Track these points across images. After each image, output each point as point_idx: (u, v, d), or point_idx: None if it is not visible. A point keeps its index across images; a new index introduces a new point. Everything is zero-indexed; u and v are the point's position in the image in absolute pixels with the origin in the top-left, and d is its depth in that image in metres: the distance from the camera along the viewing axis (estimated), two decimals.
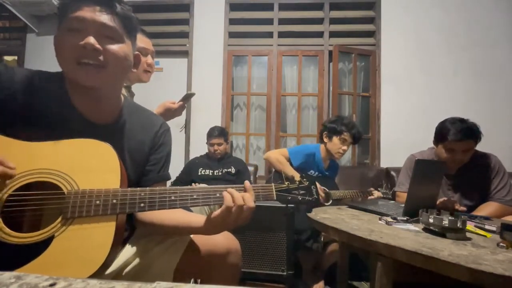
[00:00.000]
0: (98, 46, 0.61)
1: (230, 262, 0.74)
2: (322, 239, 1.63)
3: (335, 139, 1.79)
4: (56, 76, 0.68)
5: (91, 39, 0.60)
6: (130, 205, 0.60)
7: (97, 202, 0.57)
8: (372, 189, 1.85)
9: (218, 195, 0.66)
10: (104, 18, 0.62)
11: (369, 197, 1.79)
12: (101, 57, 0.62)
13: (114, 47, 0.64)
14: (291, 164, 1.77)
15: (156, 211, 0.65)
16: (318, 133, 1.95)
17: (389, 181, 2.31)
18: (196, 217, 0.71)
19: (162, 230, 0.75)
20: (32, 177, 0.57)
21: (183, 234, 0.76)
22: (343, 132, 1.77)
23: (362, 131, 2.80)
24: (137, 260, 0.75)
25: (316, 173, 1.82)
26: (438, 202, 1.27)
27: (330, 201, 1.72)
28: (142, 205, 0.61)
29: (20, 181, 0.56)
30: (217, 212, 0.65)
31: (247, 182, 0.68)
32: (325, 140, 1.83)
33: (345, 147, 1.79)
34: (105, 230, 0.57)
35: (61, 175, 0.58)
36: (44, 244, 0.54)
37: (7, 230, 0.53)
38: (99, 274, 0.55)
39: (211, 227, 0.67)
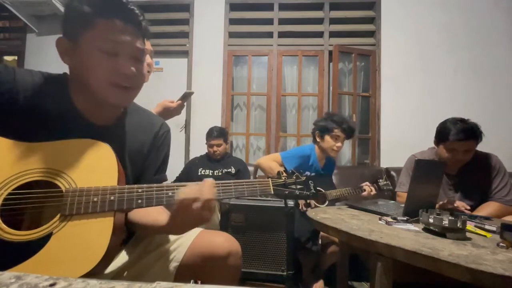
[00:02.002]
0: (135, 72, 0.64)
1: (231, 264, 0.73)
2: (320, 242, 1.62)
3: (327, 137, 1.76)
4: (57, 77, 0.68)
5: (131, 68, 0.63)
6: (127, 202, 0.60)
7: (95, 199, 0.58)
8: (366, 184, 1.78)
9: (215, 190, 0.66)
10: (136, 40, 0.64)
11: (362, 194, 1.74)
12: (133, 80, 0.65)
13: (141, 68, 0.67)
14: (285, 169, 1.74)
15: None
16: (311, 133, 1.91)
17: (389, 181, 2.30)
18: (162, 216, 0.66)
19: (137, 229, 0.73)
20: (31, 176, 0.57)
21: (153, 233, 0.74)
22: (334, 129, 1.73)
23: (363, 131, 2.85)
24: (137, 262, 0.75)
25: (313, 174, 1.79)
26: (437, 206, 1.27)
27: (327, 202, 1.70)
28: (139, 201, 0.61)
29: (19, 180, 0.56)
30: (173, 207, 0.61)
31: (208, 179, 0.64)
32: (318, 139, 1.81)
33: (339, 144, 1.75)
34: (103, 227, 0.57)
35: (59, 174, 0.58)
36: (42, 242, 0.54)
37: (6, 228, 0.54)
38: (98, 272, 0.55)
39: (173, 225, 0.63)
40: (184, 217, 0.60)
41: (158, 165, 0.80)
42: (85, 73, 0.62)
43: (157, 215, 0.67)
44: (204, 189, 0.61)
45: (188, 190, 0.60)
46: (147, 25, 0.68)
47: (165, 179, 0.82)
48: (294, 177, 0.76)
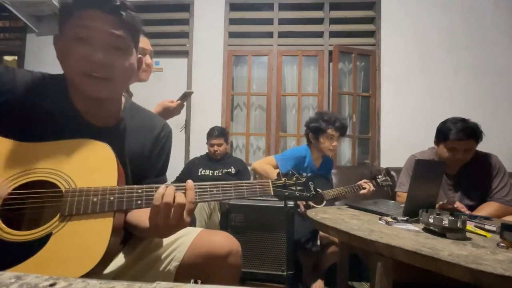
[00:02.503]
0: (106, 60, 0.61)
1: (231, 263, 0.73)
2: (319, 243, 1.62)
3: (322, 138, 1.74)
4: (57, 78, 0.68)
5: (100, 54, 0.60)
6: (127, 202, 0.60)
7: (94, 199, 0.58)
8: (364, 181, 1.74)
9: (215, 191, 0.66)
10: (112, 28, 0.61)
11: (361, 191, 1.71)
12: (108, 71, 0.62)
13: (121, 59, 0.64)
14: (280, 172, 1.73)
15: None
16: (305, 134, 1.89)
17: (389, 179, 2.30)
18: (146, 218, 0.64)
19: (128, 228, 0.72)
20: (31, 176, 0.57)
21: (141, 235, 0.73)
22: (327, 129, 1.72)
23: (363, 131, 2.85)
24: (137, 262, 0.75)
25: (309, 174, 1.77)
26: (437, 206, 1.27)
27: (324, 202, 1.69)
28: (139, 202, 0.61)
29: (19, 180, 0.56)
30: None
31: (189, 181, 0.63)
32: (312, 141, 1.79)
33: (334, 143, 1.74)
34: (103, 228, 0.57)
35: (59, 174, 0.58)
36: (42, 242, 0.54)
37: (6, 228, 0.54)
38: (98, 272, 0.55)
39: (152, 228, 0.61)
40: (159, 221, 0.58)
41: (159, 167, 0.80)
42: (64, 64, 0.62)
43: (145, 216, 0.65)
44: (179, 194, 0.60)
45: (158, 196, 0.58)
46: (134, 16, 0.65)
47: (165, 181, 0.82)
48: (294, 179, 0.75)
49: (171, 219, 0.58)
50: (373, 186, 1.73)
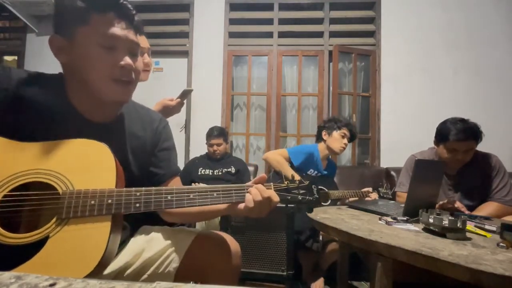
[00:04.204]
0: (133, 65, 0.65)
1: (230, 263, 0.73)
2: (321, 239, 1.63)
3: (336, 133, 1.82)
4: (54, 77, 0.67)
5: (129, 60, 0.64)
6: (125, 206, 0.59)
7: (92, 202, 0.57)
8: (369, 189, 1.81)
9: (215, 194, 0.65)
10: (131, 35, 0.65)
11: (366, 199, 1.76)
12: (132, 75, 0.66)
13: (138, 63, 0.68)
14: (291, 164, 1.77)
15: None
16: (316, 134, 1.98)
17: (389, 181, 2.31)
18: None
19: (190, 217, 0.82)
20: (28, 178, 0.56)
21: (209, 218, 0.84)
22: (342, 127, 1.82)
23: (363, 131, 2.85)
24: (136, 263, 0.75)
25: (315, 172, 1.82)
26: (437, 206, 1.27)
27: (329, 201, 1.72)
28: (137, 205, 0.60)
29: (16, 181, 0.55)
30: (240, 207, 0.68)
31: (263, 175, 0.71)
32: (325, 137, 1.85)
33: (345, 141, 1.82)
34: (100, 231, 0.56)
35: (56, 176, 0.57)
36: (39, 245, 0.53)
37: (1, 230, 0.53)
38: (96, 274, 0.55)
39: (233, 212, 0.71)
40: (256, 212, 0.67)
41: (170, 159, 0.82)
42: (84, 70, 0.62)
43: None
44: (266, 190, 0.68)
45: (255, 192, 0.66)
46: (140, 20, 0.68)
47: (179, 170, 0.85)
48: (297, 182, 0.73)
49: (261, 212, 0.67)
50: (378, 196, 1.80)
